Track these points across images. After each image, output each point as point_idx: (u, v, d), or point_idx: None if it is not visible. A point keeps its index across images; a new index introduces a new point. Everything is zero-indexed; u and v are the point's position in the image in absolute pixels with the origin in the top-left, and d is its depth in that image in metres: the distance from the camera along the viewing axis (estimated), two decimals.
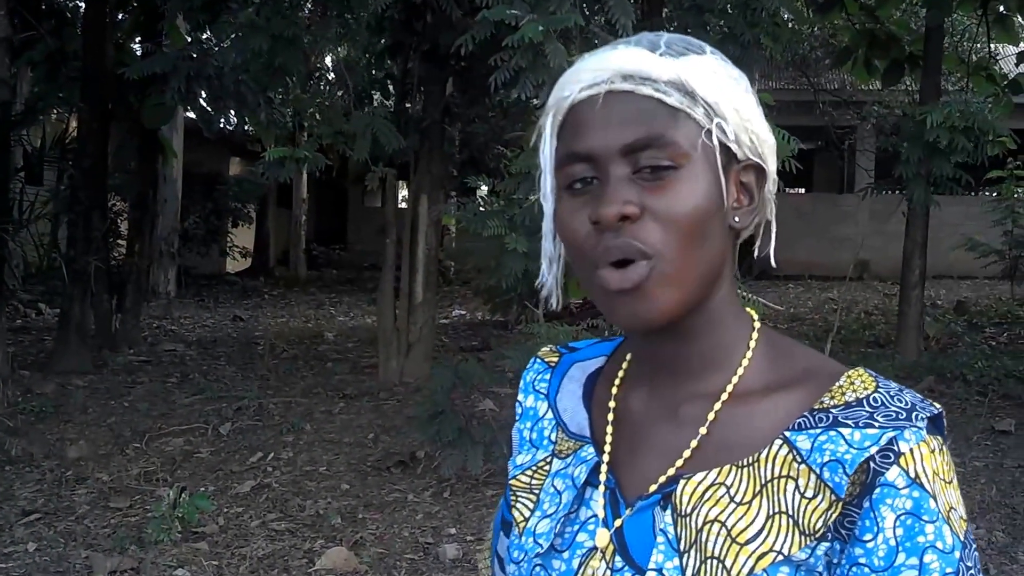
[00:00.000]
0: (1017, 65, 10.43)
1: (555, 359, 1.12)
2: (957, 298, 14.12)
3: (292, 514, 5.40)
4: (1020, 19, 10.95)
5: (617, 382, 1.04)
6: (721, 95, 0.92)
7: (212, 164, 18.68)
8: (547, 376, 1.11)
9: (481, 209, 6.46)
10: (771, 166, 0.97)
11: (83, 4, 10.42)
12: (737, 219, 0.95)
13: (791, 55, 16.40)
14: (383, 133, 7.17)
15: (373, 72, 11.32)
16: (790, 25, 11.02)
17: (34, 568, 4.67)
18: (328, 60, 18.29)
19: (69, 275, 8.99)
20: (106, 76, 9.35)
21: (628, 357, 1.05)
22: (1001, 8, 10.09)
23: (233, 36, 7.58)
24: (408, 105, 9.04)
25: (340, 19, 7.05)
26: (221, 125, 9.97)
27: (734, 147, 0.93)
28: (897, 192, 11.85)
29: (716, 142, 0.91)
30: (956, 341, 10.24)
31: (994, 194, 13.92)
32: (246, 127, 12.21)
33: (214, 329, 12.37)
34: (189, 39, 10.54)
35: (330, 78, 18.61)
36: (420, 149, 8.57)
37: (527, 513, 1.02)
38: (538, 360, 1.13)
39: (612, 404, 1.02)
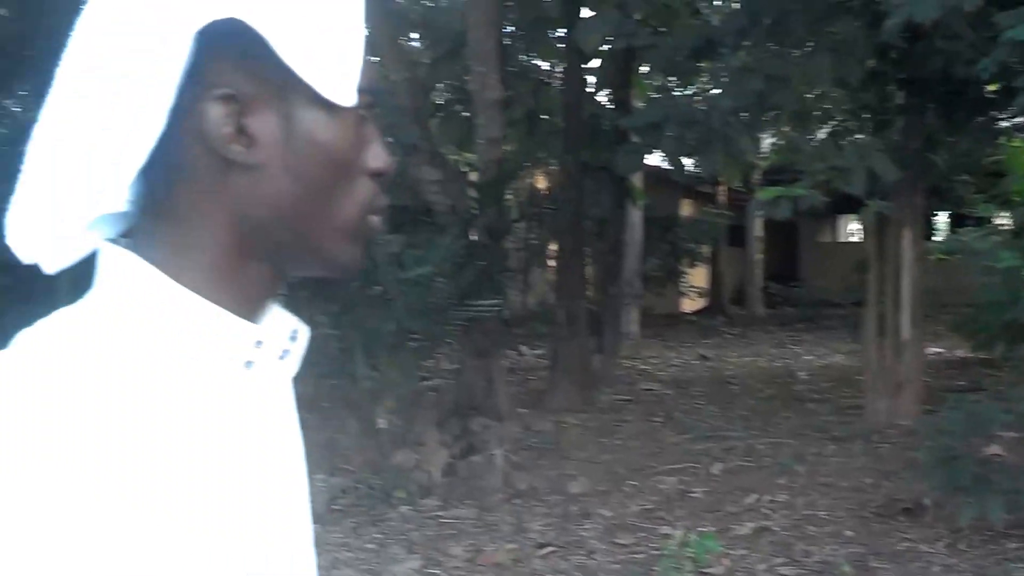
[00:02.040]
0: None
1: None
2: None
3: (798, 559, 5.23)
4: None
5: None
6: None
7: (667, 207, 19.11)
8: None
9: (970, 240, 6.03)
10: None
11: (558, 67, 11.15)
12: None
13: None
14: (879, 165, 6.88)
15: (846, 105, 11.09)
16: None
17: None
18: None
19: (562, 318, 9.51)
20: (583, 130, 9.87)
21: None
22: None
23: (723, 80, 7.70)
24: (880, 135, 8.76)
25: (833, 54, 6.86)
26: (688, 168, 10.16)
27: None
28: None
29: None
30: None
31: None
32: (708, 169, 12.31)
33: (683, 368, 12.52)
34: (657, 88, 10.87)
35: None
36: (902, 179, 8.21)
37: None
38: None
39: None
